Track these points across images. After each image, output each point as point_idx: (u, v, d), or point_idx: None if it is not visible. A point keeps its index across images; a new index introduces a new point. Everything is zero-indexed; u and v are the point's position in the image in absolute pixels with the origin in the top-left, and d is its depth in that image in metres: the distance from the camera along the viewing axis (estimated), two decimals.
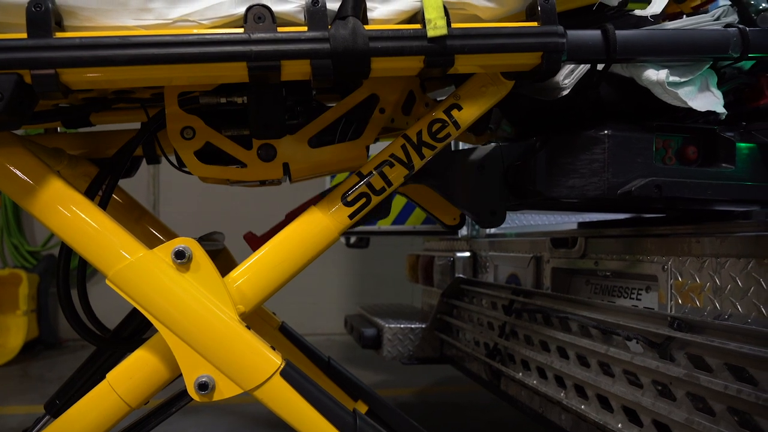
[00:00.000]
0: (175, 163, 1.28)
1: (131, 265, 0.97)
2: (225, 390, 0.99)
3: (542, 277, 1.77)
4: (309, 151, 1.24)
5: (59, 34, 0.88)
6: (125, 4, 0.93)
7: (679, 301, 1.17)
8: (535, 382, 1.47)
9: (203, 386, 0.98)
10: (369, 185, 1.13)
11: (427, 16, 0.98)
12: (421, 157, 1.15)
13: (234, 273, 1.07)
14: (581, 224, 1.71)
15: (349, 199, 1.12)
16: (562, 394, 1.35)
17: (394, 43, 0.97)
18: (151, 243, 1.02)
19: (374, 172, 1.14)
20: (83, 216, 0.99)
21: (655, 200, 1.16)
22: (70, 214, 0.99)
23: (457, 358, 2.13)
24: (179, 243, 1.01)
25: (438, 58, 0.99)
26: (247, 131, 1.21)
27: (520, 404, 1.60)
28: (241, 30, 0.93)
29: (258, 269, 1.08)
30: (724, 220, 1.15)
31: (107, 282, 0.97)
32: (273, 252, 1.10)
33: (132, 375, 1.03)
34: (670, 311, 1.18)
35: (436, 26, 0.97)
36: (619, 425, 1.14)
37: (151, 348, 1.04)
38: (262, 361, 1.00)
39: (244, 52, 0.91)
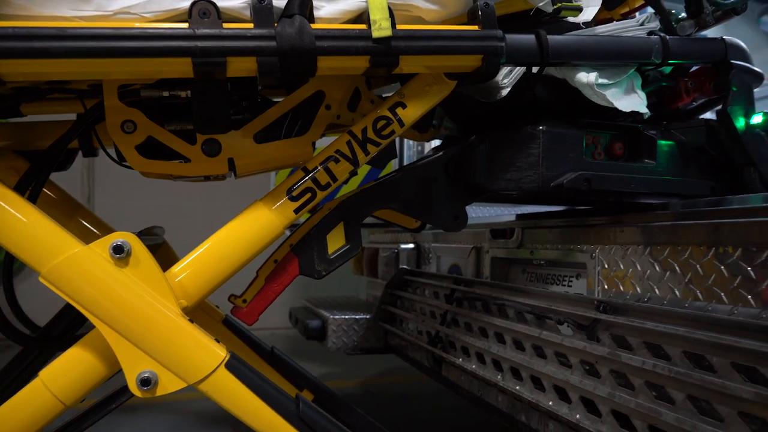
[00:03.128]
0: (115, 156, 1.25)
1: (66, 262, 0.94)
2: (168, 384, 0.99)
3: (482, 266, 1.84)
4: (254, 147, 1.24)
5: None
6: None
7: (606, 287, 1.27)
8: (474, 366, 1.54)
9: (146, 382, 0.97)
10: (314, 180, 1.15)
11: (372, 17, 1.00)
12: (366, 153, 1.19)
13: (176, 268, 1.07)
14: (519, 216, 1.79)
15: (295, 194, 1.14)
16: (498, 377, 1.43)
17: (340, 42, 0.99)
18: (86, 239, 1.00)
19: (320, 168, 1.16)
20: (12, 211, 0.95)
21: (585, 193, 1.24)
22: None
23: (401, 348, 2.18)
24: (117, 237, 0.99)
25: (383, 58, 1.02)
26: (190, 126, 1.20)
27: (460, 389, 1.67)
28: (185, 25, 0.93)
29: (201, 264, 1.08)
30: (645, 211, 1.25)
31: (40, 279, 0.94)
32: (216, 246, 1.10)
33: (67, 372, 1.01)
34: (597, 296, 1.27)
35: (381, 27, 1.00)
36: (550, 403, 1.22)
37: (87, 345, 1.02)
38: (206, 354, 1.00)
39: (188, 47, 0.91)
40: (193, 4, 0.93)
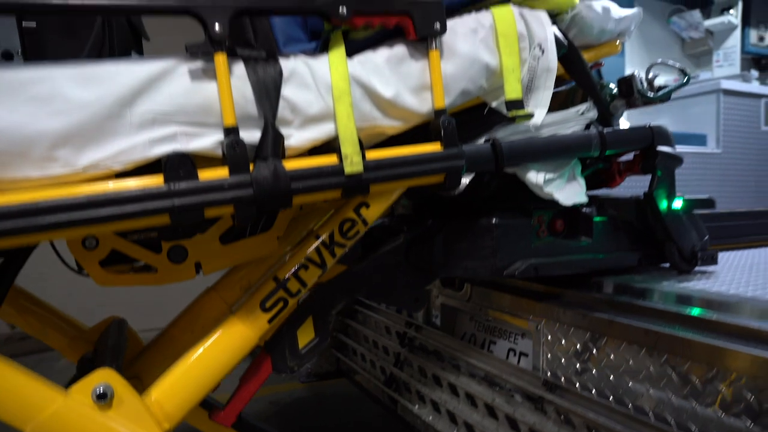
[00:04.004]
0: (74, 267, 1.22)
1: (51, 418, 0.94)
2: None
3: (432, 309, 1.96)
4: (221, 248, 1.25)
5: None
6: (26, 155, 0.86)
7: (549, 357, 1.41)
8: (430, 417, 1.67)
9: None
10: (286, 290, 1.19)
11: (343, 150, 1.03)
12: (333, 256, 1.23)
13: (156, 392, 1.08)
14: None
15: (267, 305, 1.17)
16: (454, 431, 1.57)
17: (314, 181, 1.01)
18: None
19: (290, 277, 1.19)
20: None
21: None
22: None
23: (353, 375, 2.28)
24: (99, 380, 0.99)
25: (354, 189, 1.05)
26: (155, 234, 1.18)
27: (416, 430, 1.81)
28: (160, 180, 0.91)
29: (180, 385, 1.10)
30: (588, 292, 1.39)
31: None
32: (195, 366, 1.12)
33: None
34: (542, 364, 1.42)
35: (353, 162, 1.03)
36: None
37: None
38: None
39: (166, 206, 0.90)
40: (166, 159, 0.91)
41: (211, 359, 1.13)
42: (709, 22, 3.99)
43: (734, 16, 3.86)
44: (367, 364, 2.13)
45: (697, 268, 1.50)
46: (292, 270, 1.19)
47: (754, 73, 3.96)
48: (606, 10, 1.41)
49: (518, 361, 1.55)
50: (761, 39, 4.05)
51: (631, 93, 1.47)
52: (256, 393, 1.27)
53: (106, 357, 1.19)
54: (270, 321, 1.17)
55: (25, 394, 0.94)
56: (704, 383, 1.04)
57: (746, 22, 3.96)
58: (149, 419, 1.03)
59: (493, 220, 1.32)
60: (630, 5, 2.95)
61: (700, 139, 3.35)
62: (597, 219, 1.46)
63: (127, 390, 1.01)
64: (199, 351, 1.12)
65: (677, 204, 1.44)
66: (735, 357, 1.01)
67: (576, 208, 1.45)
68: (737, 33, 3.93)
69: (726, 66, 3.98)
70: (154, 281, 1.21)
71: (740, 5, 3.88)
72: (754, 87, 3.63)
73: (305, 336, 1.29)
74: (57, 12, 0.95)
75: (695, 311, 1.17)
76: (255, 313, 1.16)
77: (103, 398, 0.98)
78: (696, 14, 4.04)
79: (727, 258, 1.79)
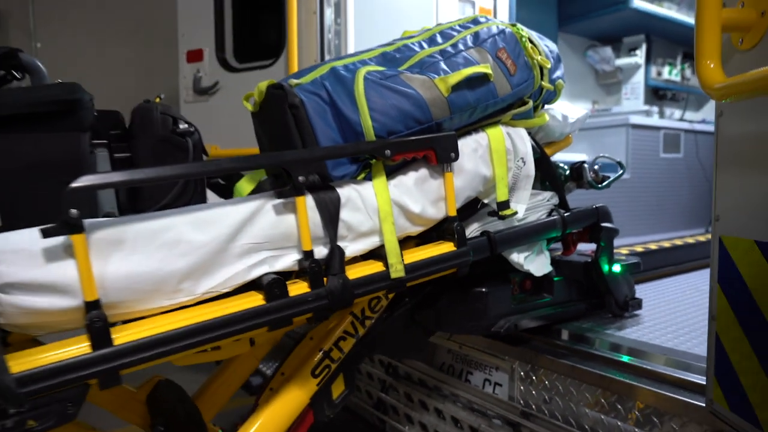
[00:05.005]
0: None
1: None
2: None
3: None
4: None
5: (115, 335, 1.01)
6: (160, 290, 1.08)
7: (522, 389, 1.80)
8: None
9: None
10: (329, 357, 1.48)
11: (389, 260, 1.33)
12: (364, 327, 1.53)
13: None
14: None
15: (317, 372, 1.46)
16: None
17: (368, 286, 1.30)
18: None
19: (333, 347, 1.48)
20: None
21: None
22: None
23: None
24: None
25: (396, 288, 1.36)
26: None
27: None
28: (261, 299, 1.16)
29: None
30: (549, 336, 1.79)
31: None
32: (263, 426, 1.38)
33: None
34: (517, 395, 1.81)
35: (397, 269, 1.33)
36: None
37: None
38: None
39: (267, 321, 1.16)
40: (265, 284, 1.16)
41: (275, 417, 1.39)
42: (619, 61, 4.59)
43: (639, 56, 4.48)
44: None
45: (626, 314, 1.96)
46: (333, 341, 1.48)
47: (655, 108, 4.62)
48: (564, 117, 1.80)
49: (493, 390, 1.93)
50: (659, 74, 4.71)
51: (581, 178, 1.87)
52: None
53: (185, 427, 1.42)
54: (318, 384, 1.46)
55: None
56: (626, 409, 1.47)
57: (648, 59, 4.60)
58: None
59: (484, 289, 1.67)
60: (554, 41, 3.43)
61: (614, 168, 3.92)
62: (556, 279, 1.86)
63: None
64: (264, 412, 1.39)
65: (616, 269, 1.87)
66: (645, 392, 1.45)
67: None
68: (641, 71, 4.55)
69: (633, 99, 4.61)
70: (218, 356, 1.44)
71: (644, 47, 4.50)
72: (655, 120, 4.27)
73: (338, 389, 1.58)
74: (162, 180, 1.16)
75: (624, 358, 1.62)
76: (307, 380, 1.44)
77: None
78: (608, 50, 4.62)
79: (651, 291, 2.31)
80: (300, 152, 1.24)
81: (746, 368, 1.09)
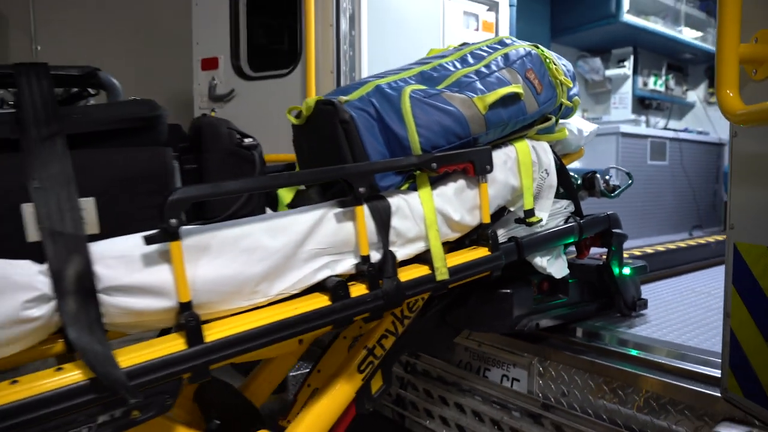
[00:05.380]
0: None
1: None
2: None
3: None
4: None
5: (206, 332, 1.11)
6: (240, 292, 1.18)
7: (540, 383, 1.94)
8: (444, 430, 2.15)
9: None
10: (373, 354, 1.59)
11: (435, 264, 1.45)
12: (403, 326, 1.65)
13: None
14: None
15: (362, 368, 1.57)
16: None
17: (417, 288, 1.42)
18: None
19: (376, 345, 1.59)
20: None
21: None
22: None
23: None
24: None
25: (440, 290, 1.48)
26: None
27: None
28: (327, 300, 1.27)
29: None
30: (566, 334, 1.93)
31: None
32: (316, 418, 1.48)
33: None
34: (536, 389, 1.94)
35: (441, 272, 1.45)
36: None
37: None
38: None
39: (333, 320, 1.27)
40: (332, 286, 1.27)
41: (326, 410, 1.50)
42: (608, 72, 4.80)
43: (627, 67, 4.69)
44: None
45: (634, 313, 2.11)
46: (377, 339, 1.60)
47: (642, 117, 4.84)
48: (579, 131, 1.94)
49: (511, 385, 2.06)
50: (645, 84, 4.93)
51: (593, 188, 2.02)
52: None
53: (240, 418, 1.51)
54: (363, 379, 1.57)
55: None
56: (641, 400, 1.62)
57: (635, 70, 4.81)
58: None
59: (509, 290, 1.80)
60: (547, 46, 3.59)
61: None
62: (570, 281, 2.01)
63: None
64: (315, 406, 1.49)
65: (626, 271, 2.02)
66: (659, 383, 1.60)
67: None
68: (629, 81, 4.77)
69: (621, 108, 4.82)
70: (272, 353, 1.54)
71: (632, 58, 4.71)
72: (642, 129, 4.48)
73: (376, 384, 1.69)
74: (252, 191, 1.27)
75: (636, 353, 1.77)
76: (353, 375, 1.55)
77: None
78: (597, 61, 4.82)
79: (650, 293, 2.48)
80: (362, 165, 1.35)
81: (760, 360, 1.24)
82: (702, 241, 3.76)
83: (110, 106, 1.24)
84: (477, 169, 1.53)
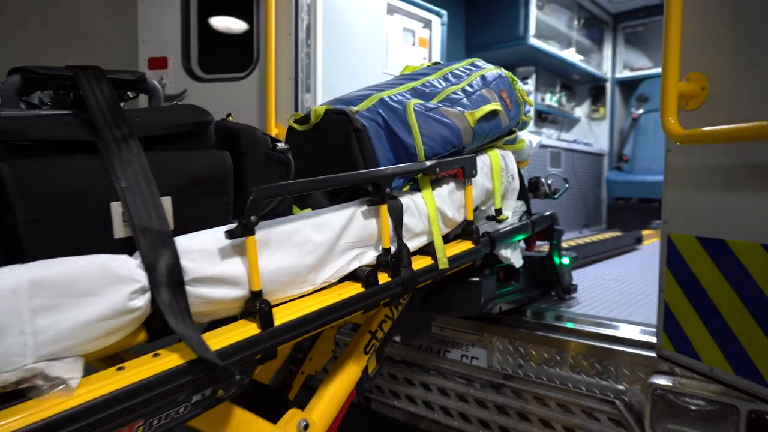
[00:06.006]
0: None
1: None
2: None
3: None
4: None
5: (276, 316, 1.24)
6: (294, 281, 1.32)
7: (500, 358, 2.25)
8: (411, 408, 2.38)
9: None
10: (375, 338, 1.78)
11: (438, 255, 1.68)
12: (398, 311, 1.86)
13: (314, 414, 1.58)
14: None
15: (367, 350, 1.76)
16: (434, 414, 2.31)
17: (426, 275, 1.64)
18: None
19: (378, 329, 1.79)
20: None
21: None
22: None
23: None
24: (299, 417, 1.48)
25: (441, 276, 1.71)
26: None
27: (390, 419, 2.49)
28: (359, 287, 1.45)
29: (326, 408, 1.62)
30: (518, 315, 2.26)
31: None
32: (331, 395, 1.64)
33: None
34: (495, 364, 2.24)
35: (443, 262, 1.69)
36: (476, 429, 2.17)
37: None
38: None
39: (365, 305, 1.45)
40: (365, 275, 1.45)
41: (339, 389, 1.67)
42: None
43: (531, 84, 5.27)
44: None
45: (568, 296, 2.51)
46: (378, 324, 1.79)
47: (544, 129, 5.46)
48: (530, 142, 2.29)
49: (471, 362, 2.35)
50: (543, 100, 5.56)
51: (537, 190, 2.38)
52: None
53: (265, 402, 1.62)
54: (368, 359, 1.76)
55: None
56: (588, 365, 1.99)
57: (536, 88, 5.42)
58: None
59: (478, 278, 2.08)
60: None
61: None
62: (521, 270, 2.34)
63: (313, 419, 1.52)
64: (332, 383, 1.66)
65: (566, 261, 2.41)
66: (602, 350, 1.98)
67: (510, 264, 2.30)
68: (532, 97, 5.35)
69: None
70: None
71: (534, 77, 5.30)
72: (544, 140, 5.07)
73: (372, 366, 1.88)
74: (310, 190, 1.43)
75: (575, 326, 2.14)
76: (360, 356, 1.73)
77: (306, 428, 1.48)
78: None
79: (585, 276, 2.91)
80: (387, 169, 1.54)
81: (689, 323, 1.63)
82: (595, 238, 4.37)
83: (164, 111, 1.31)
84: (466, 174, 1.79)
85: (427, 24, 3.78)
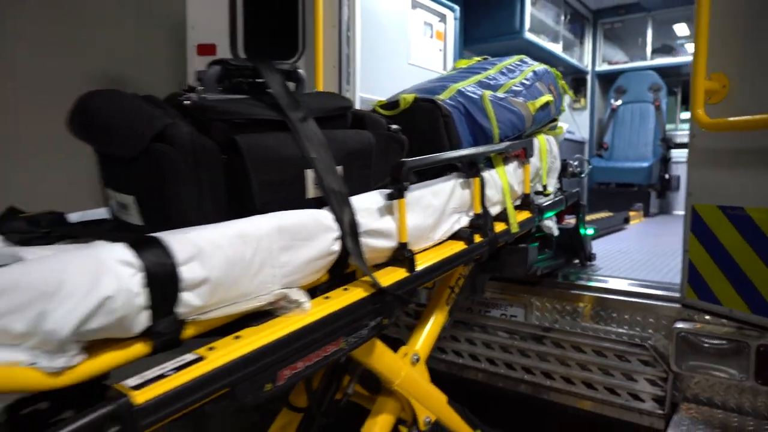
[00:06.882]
0: None
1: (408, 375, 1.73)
2: None
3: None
4: None
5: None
6: (422, 237, 1.63)
7: (537, 314, 2.61)
8: (459, 360, 2.72)
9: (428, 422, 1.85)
10: (453, 292, 2.11)
11: (510, 221, 2.02)
12: (467, 271, 2.19)
13: (418, 348, 1.89)
14: None
15: (447, 302, 2.08)
16: (481, 364, 2.66)
17: (502, 237, 1.98)
18: None
19: (455, 285, 2.12)
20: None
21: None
22: None
23: None
24: (411, 352, 1.80)
25: (512, 239, 2.05)
26: None
27: (436, 371, 2.82)
28: (462, 245, 1.77)
29: (425, 340, 1.94)
30: (551, 278, 2.63)
31: (395, 387, 1.70)
32: (429, 329, 1.96)
33: None
34: (533, 320, 2.61)
35: (514, 227, 2.03)
36: (524, 376, 2.54)
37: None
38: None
39: (469, 258, 1.77)
40: (467, 235, 1.77)
41: (433, 325, 1.99)
42: None
43: None
44: None
45: (590, 263, 2.90)
46: (455, 280, 2.12)
47: None
48: (563, 126, 2.65)
49: (510, 319, 2.70)
50: None
51: (566, 171, 2.75)
52: None
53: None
54: (449, 312, 2.08)
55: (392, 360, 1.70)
56: (619, 319, 2.38)
57: None
58: (424, 366, 1.87)
59: (525, 245, 2.43)
60: (460, 56, 4.34)
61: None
62: (553, 239, 2.71)
63: (419, 353, 1.84)
64: (430, 320, 1.98)
65: (590, 231, 2.79)
66: (630, 304, 2.37)
67: (545, 234, 2.67)
68: None
69: None
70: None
71: None
72: None
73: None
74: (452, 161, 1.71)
75: (590, 283, 2.53)
76: (443, 307, 2.06)
77: (417, 362, 1.79)
78: None
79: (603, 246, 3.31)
80: (481, 148, 1.85)
81: (710, 275, 2.03)
82: (593, 217, 4.80)
83: (319, 97, 1.59)
84: (527, 154, 2.13)
85: (443, 18, 4.09)
